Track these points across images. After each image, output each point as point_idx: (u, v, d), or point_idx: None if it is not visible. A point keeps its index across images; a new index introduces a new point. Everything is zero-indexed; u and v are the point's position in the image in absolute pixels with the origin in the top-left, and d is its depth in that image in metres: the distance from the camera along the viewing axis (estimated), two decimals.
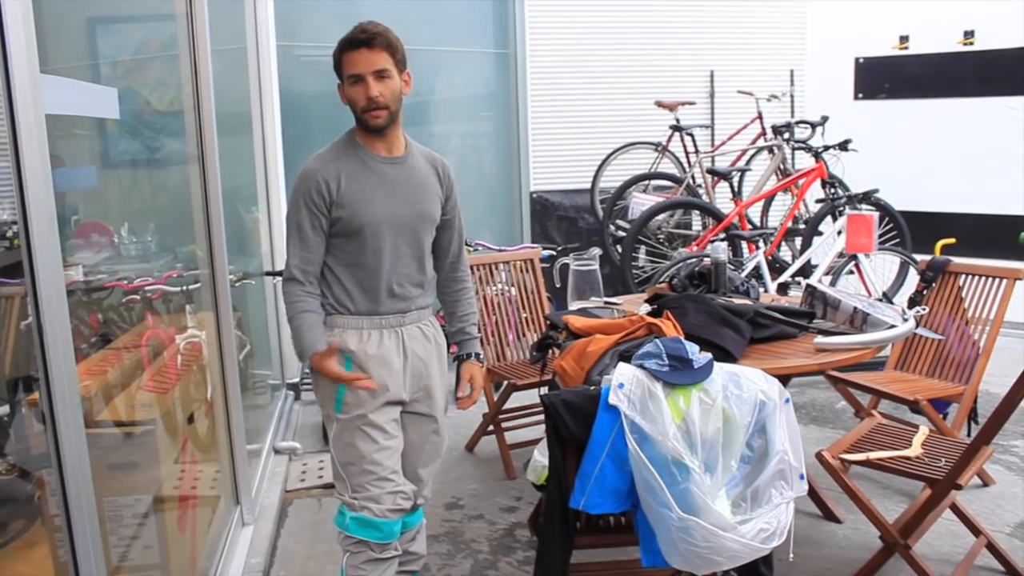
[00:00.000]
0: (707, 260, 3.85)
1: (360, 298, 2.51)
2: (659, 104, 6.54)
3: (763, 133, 6.69)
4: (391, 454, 2.53)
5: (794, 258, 5.93)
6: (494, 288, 4.63)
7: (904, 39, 6.90)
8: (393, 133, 2.51)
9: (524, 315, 4.61)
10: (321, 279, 2.53)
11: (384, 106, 2.41)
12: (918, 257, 4.80)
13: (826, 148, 5.91)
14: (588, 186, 6.64)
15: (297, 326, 2.48)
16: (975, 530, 3.16)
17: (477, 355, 2.80)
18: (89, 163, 2.69)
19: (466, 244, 5.56)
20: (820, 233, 5.75)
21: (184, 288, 3.17)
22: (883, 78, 7.04)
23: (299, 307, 2.48)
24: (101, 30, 2.98)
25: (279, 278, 3.86)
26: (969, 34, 6.60)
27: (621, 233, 6.23)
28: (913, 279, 4.65)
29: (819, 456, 3.01)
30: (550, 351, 3.30)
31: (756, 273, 5.27)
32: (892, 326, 3.17)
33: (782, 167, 6.35)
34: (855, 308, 3.26)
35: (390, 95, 2.42)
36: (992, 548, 3.14)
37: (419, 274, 2.59)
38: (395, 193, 2.50)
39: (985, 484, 3.85)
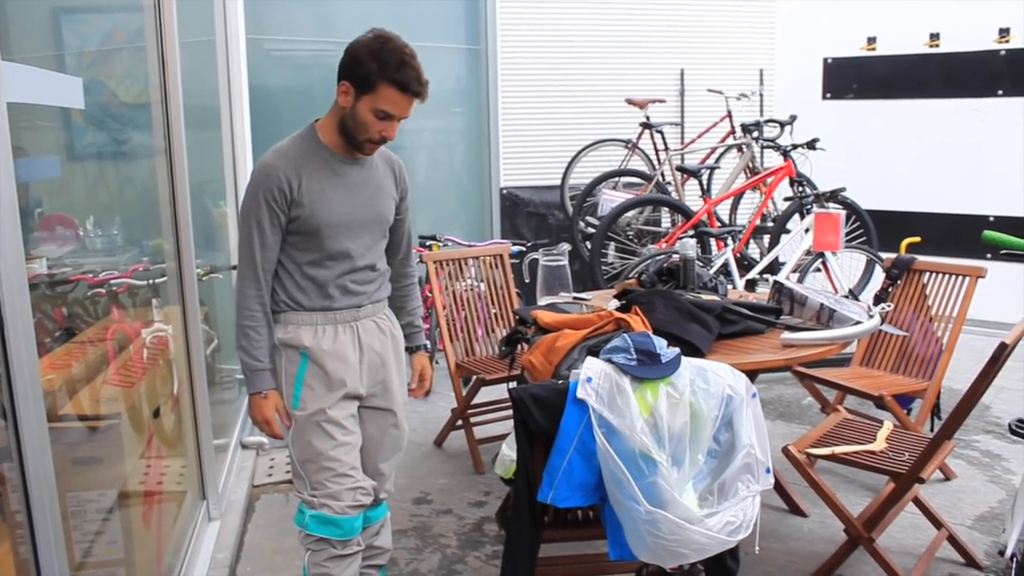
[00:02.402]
0: (676, 257, 3.88)
1: (314, 294, 2.49)
2: (629, 102, 6.57)
3: (732, 131, 6.74)
4: (349, 450, 2.52)
5: (762, 255, 5.98)
6: (463, 284, 4.63)
7: (872, 40, 6.98)
8: None
9: (493, 310, 4.61)
10: (274, 275, 2.50)
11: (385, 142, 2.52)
12: (884, 255, 4.86)
13: (794, 147, 5.97)
14: (558, 182, 6.66)
15: (244, 352, 2.46)
16: (937, 523, 3.21)
17: (425, 346, 2.88)
18: (53, 154, 2.65)
19: (435, 239, 5.58)
20: (788, 231, 5.80)
21: (151, 282, 3.12)
22: (851, 78, 7.12)
23: (250, 321, 2.46)
24: (66, 19, 2.93)
25: None
26: (935, 36, 6.69)
27: (591, 229, 6.25)
28: (879, 277, 4.72)
29: (785, 451, 3.04)
30: (519, 346, 3.30)
31: (724, 270, 5.31)
32: (858, 322, 3.21)
33: (751, 165, 6.41)
34: (821, 304, 3.30)
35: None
36: (953, 540, 3.19)
37: (373, 272, 2.58)
38: (354, 194, 2.50)
39: (947, 478, 3.91)
